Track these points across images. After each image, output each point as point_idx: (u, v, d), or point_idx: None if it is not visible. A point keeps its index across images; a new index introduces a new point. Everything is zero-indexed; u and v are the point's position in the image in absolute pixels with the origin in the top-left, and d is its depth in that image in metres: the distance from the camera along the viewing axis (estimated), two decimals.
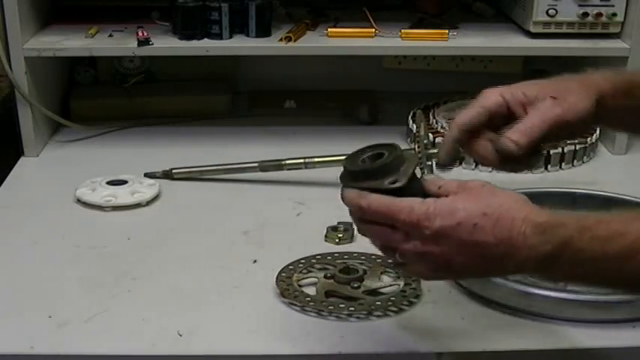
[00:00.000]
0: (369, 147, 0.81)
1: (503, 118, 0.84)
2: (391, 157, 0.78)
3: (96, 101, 1.50)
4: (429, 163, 1.17)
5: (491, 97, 0.84)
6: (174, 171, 1.27)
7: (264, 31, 1.35)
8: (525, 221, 0.72)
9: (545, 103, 0.83)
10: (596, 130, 1.36)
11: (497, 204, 0.74)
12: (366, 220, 0.78)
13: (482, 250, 0.73)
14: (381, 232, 0.77)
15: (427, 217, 0.73)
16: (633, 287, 0.80)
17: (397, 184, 0.77)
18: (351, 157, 0.81)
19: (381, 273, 0.99)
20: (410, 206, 0.75)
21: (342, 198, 0.78)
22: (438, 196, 0.76)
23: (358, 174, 0.79)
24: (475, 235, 0.73)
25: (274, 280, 0.98)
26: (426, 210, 0.74)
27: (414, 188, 0.78)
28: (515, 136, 0.81)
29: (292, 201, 1.17)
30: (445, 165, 0.87)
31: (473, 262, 0.75)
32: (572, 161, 1.33)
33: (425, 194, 0.77)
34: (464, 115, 0.85)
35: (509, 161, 0.83)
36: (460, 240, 0.73)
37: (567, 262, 0.72)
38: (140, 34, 1.31)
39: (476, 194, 0.75)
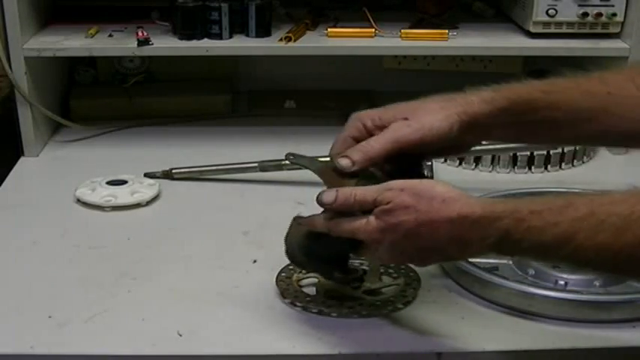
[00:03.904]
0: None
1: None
2: None
3: (96, 101, 1.51)
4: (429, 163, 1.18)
5: (352, 125, 0.88)
6: (174, 171, 1.27)
7: (264, 31, 1.35)
8: (464, 219, 0.76)
9: (394, 124, 0.86)
10: None
11: (426, 208, 0.77)
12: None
13: (440, 250, 0.79)
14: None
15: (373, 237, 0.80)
16: (574, 267, 0.92)
17: None
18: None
19: (381, 273, 0.99)
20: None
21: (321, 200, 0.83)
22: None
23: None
24: (423, 243, 0.78)
25: (274, 280, 0.98)
26: (370, 230, 0.80)
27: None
28: (353, 154, 0.85)
29: (292, 201, 1.17)
30: None
31: (437, 256, 0.82)
32: (572, 161, 1.33)
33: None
34: (335, 145, 0.89)
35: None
36: (414, 246, 0.79)
37: (509, 250, 0.78)
38: (140, 34, 1.31)
39: (401, 202, 0.79)
